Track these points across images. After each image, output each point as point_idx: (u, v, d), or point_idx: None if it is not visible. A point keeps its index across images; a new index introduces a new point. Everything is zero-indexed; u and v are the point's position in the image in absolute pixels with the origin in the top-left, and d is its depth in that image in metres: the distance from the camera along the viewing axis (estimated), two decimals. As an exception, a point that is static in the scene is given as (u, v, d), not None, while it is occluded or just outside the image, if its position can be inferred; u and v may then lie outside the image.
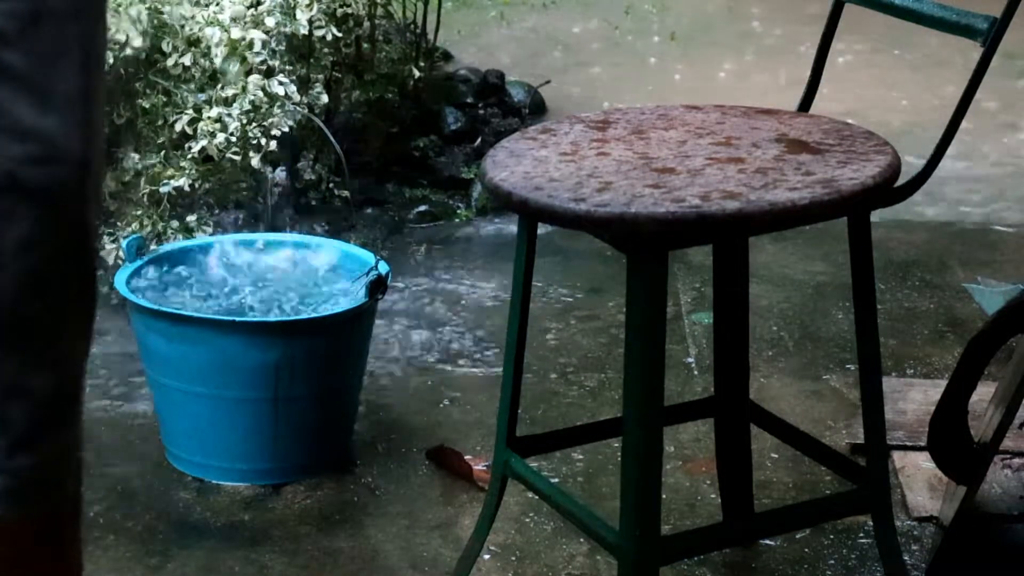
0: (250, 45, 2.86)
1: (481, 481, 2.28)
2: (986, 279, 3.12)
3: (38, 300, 0.92)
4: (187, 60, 2.88)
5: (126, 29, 2.77)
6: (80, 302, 0.96)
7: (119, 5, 2.77)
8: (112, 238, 2.81)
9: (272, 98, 2.90)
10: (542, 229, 1.87)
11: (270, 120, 2.88)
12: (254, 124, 2.87)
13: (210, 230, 3.00)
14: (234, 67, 2.86)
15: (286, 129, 2.92)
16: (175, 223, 2.97)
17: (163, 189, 2.86)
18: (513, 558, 2.12)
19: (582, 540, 2.14)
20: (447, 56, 4.59)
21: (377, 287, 2.30)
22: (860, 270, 1.73)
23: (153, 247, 2.53)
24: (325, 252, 2.48)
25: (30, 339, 0.92)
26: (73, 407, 0.97)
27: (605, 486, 2.29)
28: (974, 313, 2.95)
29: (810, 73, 1.98)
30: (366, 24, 3.50)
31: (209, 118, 2.84)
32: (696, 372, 2.68)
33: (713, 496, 2.23)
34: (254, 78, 2.87)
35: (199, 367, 2.25)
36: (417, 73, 3.72)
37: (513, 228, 2.68)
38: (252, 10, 2.92)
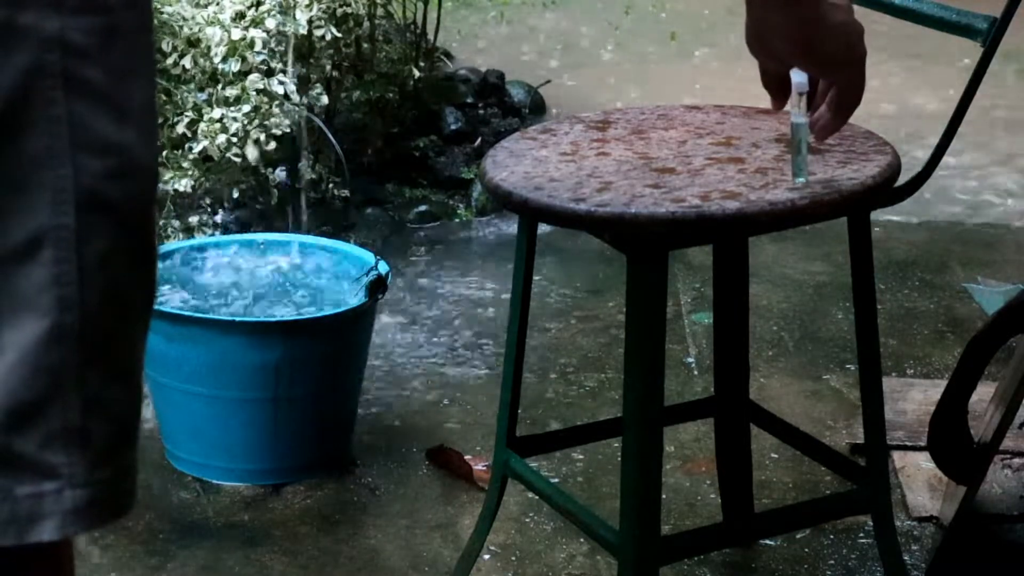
0: (251, 44, 2.86)
1: (481, 481, 2.28)
2: (986, 279, 3.12)
3: (117, 313, 0.93)
4: (187, 62, 2.88)
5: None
6: (146, 312, 0.97)
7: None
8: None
9: (272, 98, 2.90)
10: (542, 229, 1.87)
11: (271, 120, 2.88)
12: (255, 124, 2.87)
13: (210, 230, 3.00)
14: (235, 66, 2.85)
15: (287, 129, 2.92)
16: (176, 223, 2.97)
17: (162, 188, 2.86)
18: (513, 558, 2.12)
19: (582, 540, 2.14)
20: (447, 56, 4.59)
21: (377, 287, 2.30)
22: (860, 270, 1.73)
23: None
24: (325, 252, 2.48)
25: (110, 352, 0.93)
26: (140, 418, 0.98)
27: (605, 486, 2.29)
28: (974, 313, 2.95)
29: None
30: (366, 24, 3.50)
31: (210, 119, 2.84)
32: (696, 372, 2.68)
33: (713, 496, 2.23)
34: (254, 77, 2.87)
35: (199, 367, 2.25)
36: (417, 73, 3.72)
37: (513, 228, 2.67)
38: (252, 10, 2.92)
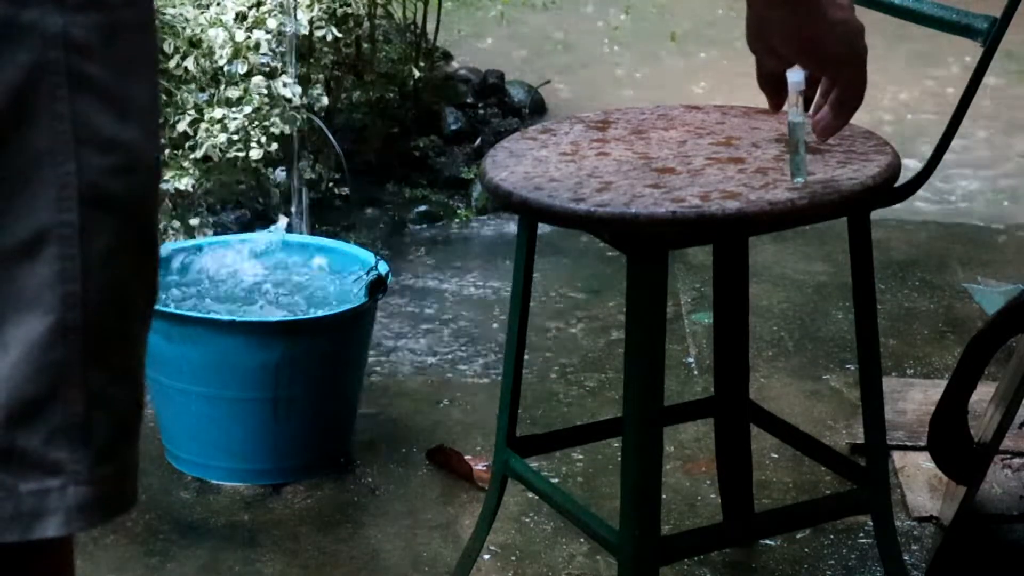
0: (256, 46, 2.86)
1: (481, 481, 2.28)
2: (986, 279, 3.12)
3: (120, 309, 0.94)
4: (190, 64, 2.87)
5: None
6: (148, 309, 0.98)
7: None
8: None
9: (275, 100, 2.90)
10: (542, 229, 1.87)
11: (271, 121, 2.88)
12: (255, 124, 2.87)
13: (210, 230, 3.00)
14: (241, 68, 2.85)
15: (293, 132, 2.92)
16: (176, 223, 2.97)
17: (163, 187, 2.86)
18: (513, 558, 2.12)
19: (582, 540, 2.14)
20: (447, 56, 4.59)
21: (377, 287, 2.30)
22: (860, 270, 1.73)
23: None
24: (325, 252, 2.48)
25: (113, 348, 0.94)
26: (142, 415, 0.98)
27: (605, 486, 2.29)
28: (974, 313, 2.95)
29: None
30: (366, 24, 3.50)
31: (211, 119, 2.84)
32: (696, 372, 2.68)
33: (713, 496, 2.23)
34: (258, 80, 2.87)
35: (199, 367, 2.25)
36: (417, 73, 3.72)
37: (513, 228, 2.68)
38: (254, 11, 2.92)
